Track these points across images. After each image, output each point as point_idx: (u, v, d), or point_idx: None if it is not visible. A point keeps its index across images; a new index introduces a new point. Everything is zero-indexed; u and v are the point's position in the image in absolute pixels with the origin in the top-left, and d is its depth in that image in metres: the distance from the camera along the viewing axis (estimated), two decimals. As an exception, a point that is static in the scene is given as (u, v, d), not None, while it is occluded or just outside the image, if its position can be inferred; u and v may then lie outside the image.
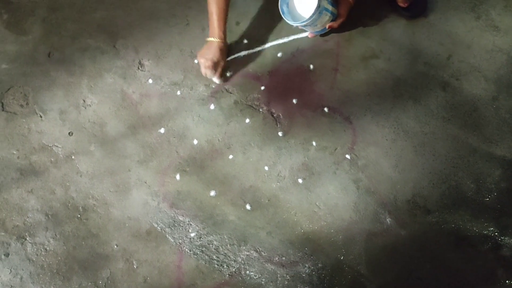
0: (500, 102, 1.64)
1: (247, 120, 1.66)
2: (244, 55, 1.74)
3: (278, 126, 1.65)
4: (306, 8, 1.59)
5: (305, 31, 1.69)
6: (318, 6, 1.50)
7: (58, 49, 1.78)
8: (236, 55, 1.73)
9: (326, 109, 1.66)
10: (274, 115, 1.66)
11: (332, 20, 1.62)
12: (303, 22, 1.54)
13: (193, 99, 1.69)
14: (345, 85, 1.69)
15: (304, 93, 1.67)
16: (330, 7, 1.57)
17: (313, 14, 1.50)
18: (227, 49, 1.67)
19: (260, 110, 1.67)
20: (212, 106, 1.67)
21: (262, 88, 1.67)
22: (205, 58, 1.60)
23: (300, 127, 1.65)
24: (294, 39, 1.74)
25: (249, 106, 1.67)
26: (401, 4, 1.66)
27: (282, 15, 1.57)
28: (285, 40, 1.73)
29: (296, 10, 1.62)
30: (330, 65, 1.69)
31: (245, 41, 1.74)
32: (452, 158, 1.58)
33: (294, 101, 1.68)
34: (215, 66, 1.62)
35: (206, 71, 1.63)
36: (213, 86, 1.71)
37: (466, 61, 1.70)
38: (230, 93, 1.70)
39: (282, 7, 1.57)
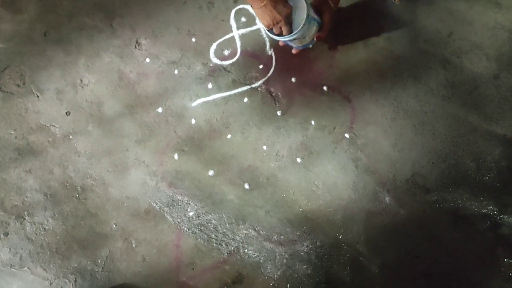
0: (502, 80, 1.62)
1: (246, 99, 1.64)
2: (242, 34, 1.71)
3: (277, 105, 1.64)
4: (294, 19, 1.40)
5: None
6: (307, 15, 1.35)
7: (55, 28, 1.76)
8: (233, 34, 1.71)
9: (325, 88, 1.64)
10: (273, 94, 1.65)
11: (318, 30, 1.48)
12: (293, 35, 1.38)
13: (190, 78, 1.67)
14: (345, 64, 1.67)
15: (303, 72, 1.65)
16: (316, 16, 1.43)
17: (303, 24, 1.35)
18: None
19: (259, 89, 1.66)
20: (210, 85, 1.66)
21: (261, 66, 1.65)
22: (273, 22, 1.37)
23: (299, 106, 1.63)
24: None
25: (247, 85, 1.66)
26: None
27: (268, 33, 1.43)
28: None
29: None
30: (329, 43, 1.66)
31: (243, 19, 1.72)
32: (452, 137, 1.57)
33: (293, 80, 1.66)
34: (287, 20, 1.38)
35: (279, 29, 1.41)
36: (211, 65, 1.69)
37: (467, 39, 1.67)
38: (228, 72, 1.68)
39: None
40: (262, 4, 1.35)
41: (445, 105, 1.60)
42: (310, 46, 1.56)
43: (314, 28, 1.45)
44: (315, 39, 1.51)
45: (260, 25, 1.67)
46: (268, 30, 1.42)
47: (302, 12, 1.37)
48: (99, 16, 1.76)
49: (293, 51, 1.57)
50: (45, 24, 1.77)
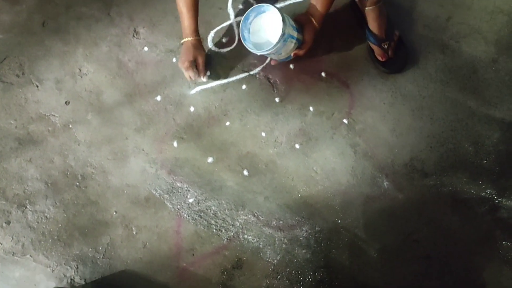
0: (500, 64, 1.62)
1: (244, 87, 1.65)
2: (240, 21, 1.71)
3: (275, 91, 1.64)
4: (270, 34, 1.43)
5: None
6: (283, 34, 1.36)
7: (53, 18, 1.76)
8: (231, 22, 1.71)
9: (323, 74, 1.64)
10: (271, 81, 1.65)
11: (297, 47, 1.49)
12: (267, 50, 1.39)
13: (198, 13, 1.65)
14: (343, 49, 1.67)
15: (301, 59, 1.65)
16: (295, 34, 1.43)
17: (277, 42, 1.36)
18: (201, 43, 1.58)
19: (257, 76, 1.66)
20: (208, 73, 1.66)
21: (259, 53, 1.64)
22: (183, 61, 1.54)
23: (297, 92, 1.64)
24: (290, 3, 1.71)
25: (245, 72, 1.66)
26: (379, 58, 1.58)
27: (243, 42, 1.44)
28: (282, 4, 1.71)
29: (259, 35, 1.46)
30: (327, 29, 1.66)
31: (241, 7, 1.72)
32: (451, 121, 1.57)
33: (291, 66, 1.66)
34: (193, 64, 1.54)
35: (187, 73, 1.56)
36: (209, 53, 1.69)
37: (466, 23, 1.67)
38: (226, 59, 1.68)
39: (243, 33, 1.44)
40: (181, 42, 1.53)
41: (443, 89, 1.60)
42: (288, 60, 1.58)
43: (291, 45, 1.45)
44: (292, 55, 1.52)
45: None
46: (246, 44, 1.44)
47: (278, 30, 1.37)
48: (96, 5, 1.77)
49: (272, 62, 1.60)
50: (43, 15, 1.77)
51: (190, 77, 1.57)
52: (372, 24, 1.54)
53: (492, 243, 1.48)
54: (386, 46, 1.56)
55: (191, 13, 1.51)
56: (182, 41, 1.55)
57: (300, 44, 1.49)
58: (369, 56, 1.63)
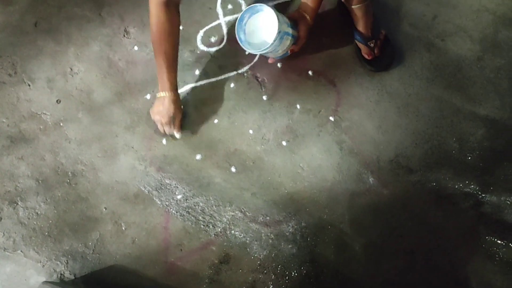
0: (485, 62, 1.64)
1: (232, 85, 1.67)
2: (229, 21, 1.74)
3: (263, 90, 1.66)
4: (266, 33, 1.45)
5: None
6: (279, 31, 1.38)
7: (45, 18, 1.79)
8: (219, 21, 1.73)
9: (310, 73, 1.67)
10: (259, 79, 1.67)
11: (293, 43, 1.51)
12: (264, 49, 1.41)
13: (178, 65, 1.69)
14: (330, 48, 1.69)
15: (288, 57, 1.68)
16: (290, 30, 1.45)
17: (274, 40, 1.38)
18: (179, 98, 1.57)
19: (245, 74, 1.68)
20: (197, 72, 1.69)
21: (247, 52, 1.67)
22: (161, 115, 1.53)
23: (285, 90, 1.66)
24: (278, 3, 1.73)
25: (233, 71, 1.68)
26: (366, 56, 1.61)
27: (240, 43, 1.45)
28: (270, 3, 1.73)
29: (255, 36, 1.47)
30: (314, 28, 1.68)
31: (230, 7, 1.75)
32: (436, 118, 1.59)
33: (279, 65, 1.68)
34: (172, 120, 1.55)
35: (164, 128, 1.57)
36: (198, 52, 1.72)
37: (451, 22, 1.69)
38: (215, 58, 1.71)
39: (239, 35, 1.45)
40: (161, 95, 1.53)
41: (429, 87, 1.62)
42: (284, 57, 1.60)
43: (287, 42, 1.48)
44: (289, 51, 1.54)
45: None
46: (243, 45, 1.46)
47: (274, 28, 1.40)
48: (88, 6, 1.79)
49: (269, 61, 1.62)
50: (36, 15, 1.80)
51: (164, 131, 1.59)
52: (359, 23, 1.57)
53: (475, 238, 1.50)
54: (372, 45, 1.58)
55: (172, 68, 1.50)
56: (160, 95, 1.52)
57: (295, 40, 1.51)
58: (356, 55, 1.65)
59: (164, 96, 1.52)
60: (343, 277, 1.48)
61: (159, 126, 1.58)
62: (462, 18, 1.69)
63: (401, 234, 1.50)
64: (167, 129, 1.58)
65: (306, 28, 1.50)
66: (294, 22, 1.50)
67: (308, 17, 1.50)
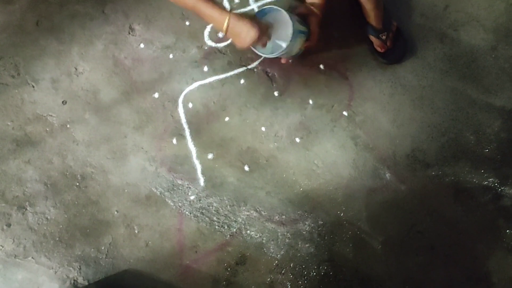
0: (499, 51, 1.61)
1: (242, 81, 1.63)
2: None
3: (274, 85, 1.63)
4: (279, 34, 1.37)
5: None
6: (293, 32, 1.32)
7: (46, 17, 1.74)
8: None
9: (322, 66, 1.63)
10: (269, 75, 1.64)
11: (306, 40, 1.45)
12: (281, 52, 1.36)
13: (186, 62, 1.66)
14: (340, 41, 1.66)
15: (301, 54, 1.64)
16: (302, 28, 1.40)
17: (290, 41, 1.33)
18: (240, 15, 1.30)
19: (255, 70, 1.65)
20: (205, 68, 1.65)
21: (274, 56, 1.62)
22: (256, 30, 1.27)
23: (296, 85, 1.62)
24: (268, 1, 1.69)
25: (243, 66, 1.64)
26: (378, 49, 1.57)
27: (255, 50, 1.39)
28: (260, 3, 1.68)
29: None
30: (324, 21, 1.65)
31: (237, 0, 1.70)
32: (451, 110, 1.56)
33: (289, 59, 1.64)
34: (261, 30, 1.30)
35: (263, 40, 1.36)
36: (205, 48, 1.67)
37: (463, 11, 1.66)
38: (223, 54, 1.67)
39: None
40: (225, 27, 1.27)
41: (443, 79, 1.59)
42: (299, 54, 1.55)
43: (301, 40, 1.43)
44: (301, 49, 1.49)
45: (259, 3, 1.65)
46: (257, 50, 1.40)
47: (288, 28, 1.34)
48: (90, 3, 1.74)
49: (282, 61, 1.56)
50: (37, 14, 1.75)
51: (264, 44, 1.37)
52: (370, 16, 1.53)
53: (495, 232, 1.48)
54: (384, 37, 1.55)
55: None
56: (225, 26, 1.26)
57: (307, 36, 1.46)
58: (368, 48, 1.61)
59: (228, 20, 1.25)
60: (363, 275, 1.46)
61: (260, 42, 1.35)
62: (474, 7, 1.66)
63: (420, 230, 1.48)
64: (265, 41, 1.35)
65: (316, 22, 1.46)
66: (303, 18, 1.46)
67: (316, 11, 1.46)
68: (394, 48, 1.58)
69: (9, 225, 1.56)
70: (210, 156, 1.57)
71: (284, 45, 1.36)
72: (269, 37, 1.38)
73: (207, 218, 1.52)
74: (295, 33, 1.36)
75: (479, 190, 1.50)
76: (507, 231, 1.47)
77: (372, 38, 1.57)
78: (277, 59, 1.57)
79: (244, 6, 1.69)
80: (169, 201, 1.54)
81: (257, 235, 1.50)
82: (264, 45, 1.38)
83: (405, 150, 1.54)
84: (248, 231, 1.51)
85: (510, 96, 1.57)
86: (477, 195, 1.49)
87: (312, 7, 1.45)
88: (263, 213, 1.51)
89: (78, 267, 1.51)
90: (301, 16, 1.45)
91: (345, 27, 1.65)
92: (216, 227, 1.51)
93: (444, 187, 1.50)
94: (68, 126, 1.62)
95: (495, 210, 1.48)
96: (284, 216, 1.51)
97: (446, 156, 1.53)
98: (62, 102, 1.65)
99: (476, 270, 1.45)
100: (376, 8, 1.50)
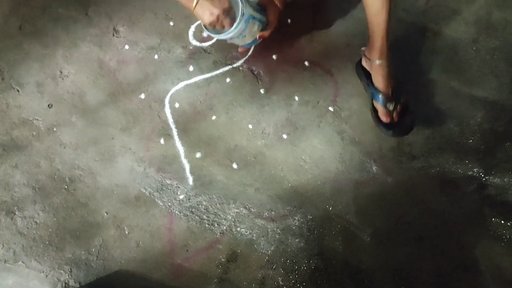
0: (480, 43, 1.64)
1: (228, 80, 1.64)
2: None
3: (260, 83, 1.64)
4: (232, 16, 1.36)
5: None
6: (242, 14, 1.31)
7: (29, 21, 1.73)
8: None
9: (306, 63, 1.65)
10: (255, 73, 1.65)
11: (262, 29, 1.44)
12: (229, 33, 1.34)
13: (171, 62, 1.67)
14: (325, 37, 1.68)
15: (283, 49, 1.66)
16: (257, 15, 1.38)
17: (238, 23, 1.32)
18: None
19: (240, 68, 1.66)
20: (191, 68, 1.65)
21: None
22: (212, 10, 1.32)
23: (282, 82, 1.63)
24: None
25: (228, 65, 1.65)
26: (383, 118, 1.48)
27: (204, 28, 1.39)
28: None
29: None
30: (308, 18, 1.66)
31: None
32: (435, 103, 1.59)
33: (274, 57, 1.66)
34: (227, 12, 1.34)
35: (223, 22, 1.36)
36: (190, 48, 1.68)
37: (444, 5, 1.69)
38: (209, 53, 1.67)
39: None
40: (195, 3, 1.30)
41: (426, 72, 1.61)
42: (254, 44, 1.54)
43: (255, 27, 1.42)
44: (257, 37, 1.47)
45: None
46: (207, 29, 1.39)
47: (237, 11, 1.34)
48: (73, 6, 1.74)
49: (239, 50, 1.58)
50: (19, 18, 1.74)
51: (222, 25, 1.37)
52: (379, 82, 1.46)
53: (481, 221, 1.50)
54: (391, 108, 1.46)
55: None
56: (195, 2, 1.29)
57: (264, 25, 1.46)
58: (372, 116, 1.54)
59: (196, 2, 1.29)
60: (352, 268, 1.47)
61: (218, 26, 1.36)
62: (455, 1, 1.69)
63: (408, 221, 1.50)
64: (225, 22, 1.36)
65: (275, 13, 1.46)
66: (263, 7, 1.45)
67: (277, 2, 1.46)
68: (400, 122, 1.49)
69: (-2, 231, 1.55)
70: (198, 155, 1.57)
71: (232, 27, 1.34)
72: (231, 18, 1.36)
73: (197, 217, 1.53)
74: (246, 17, 1.34)
75: (464, 180, 1.52)
76: (493, 219, 1.49)
77: (378, 106, 1.48)
78: (261, 54, 1.58)
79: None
80: (159, 201, 1.54)
81: (247, 232, 1.51)
82: (228, 25, 1.37)
83: (390, 143, 1.56)
84: (238, 228, 1.51)
85: (492, 87, 1.60)
86: (462, 185, 1.52)
87: None
88: (252, 210, 1.52)
89: (69, 269, 1.50)
90: (261, 5, 1.45)
91: (328, 24, 1.67)
92: (206, 225, 1.52)
93: (430, 178, 1.53)
94: (54, 129, 1.62)
95: (480, 199, 1.50)
96: (273, 212, 1.52)
97: (431, 147, 1.55)
98: (48, 105, 1.64)
99: (463, 258, 1.47)
100: (388, 75, 1.43)
